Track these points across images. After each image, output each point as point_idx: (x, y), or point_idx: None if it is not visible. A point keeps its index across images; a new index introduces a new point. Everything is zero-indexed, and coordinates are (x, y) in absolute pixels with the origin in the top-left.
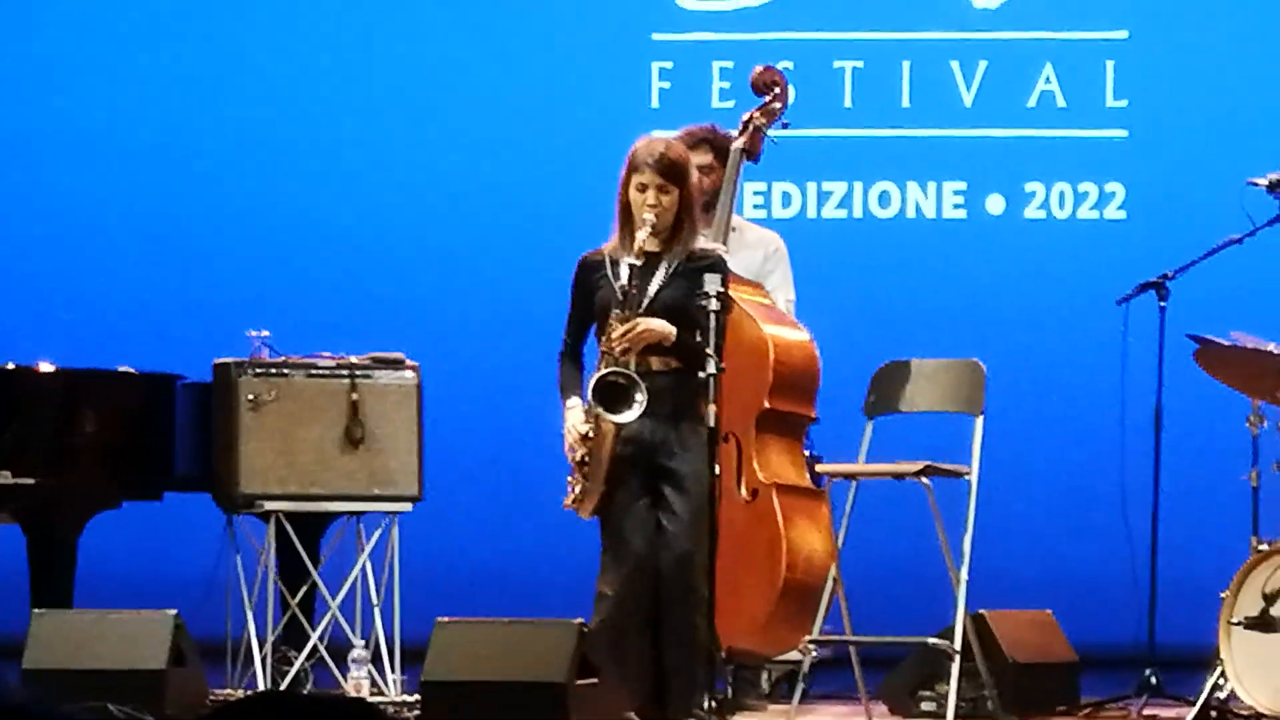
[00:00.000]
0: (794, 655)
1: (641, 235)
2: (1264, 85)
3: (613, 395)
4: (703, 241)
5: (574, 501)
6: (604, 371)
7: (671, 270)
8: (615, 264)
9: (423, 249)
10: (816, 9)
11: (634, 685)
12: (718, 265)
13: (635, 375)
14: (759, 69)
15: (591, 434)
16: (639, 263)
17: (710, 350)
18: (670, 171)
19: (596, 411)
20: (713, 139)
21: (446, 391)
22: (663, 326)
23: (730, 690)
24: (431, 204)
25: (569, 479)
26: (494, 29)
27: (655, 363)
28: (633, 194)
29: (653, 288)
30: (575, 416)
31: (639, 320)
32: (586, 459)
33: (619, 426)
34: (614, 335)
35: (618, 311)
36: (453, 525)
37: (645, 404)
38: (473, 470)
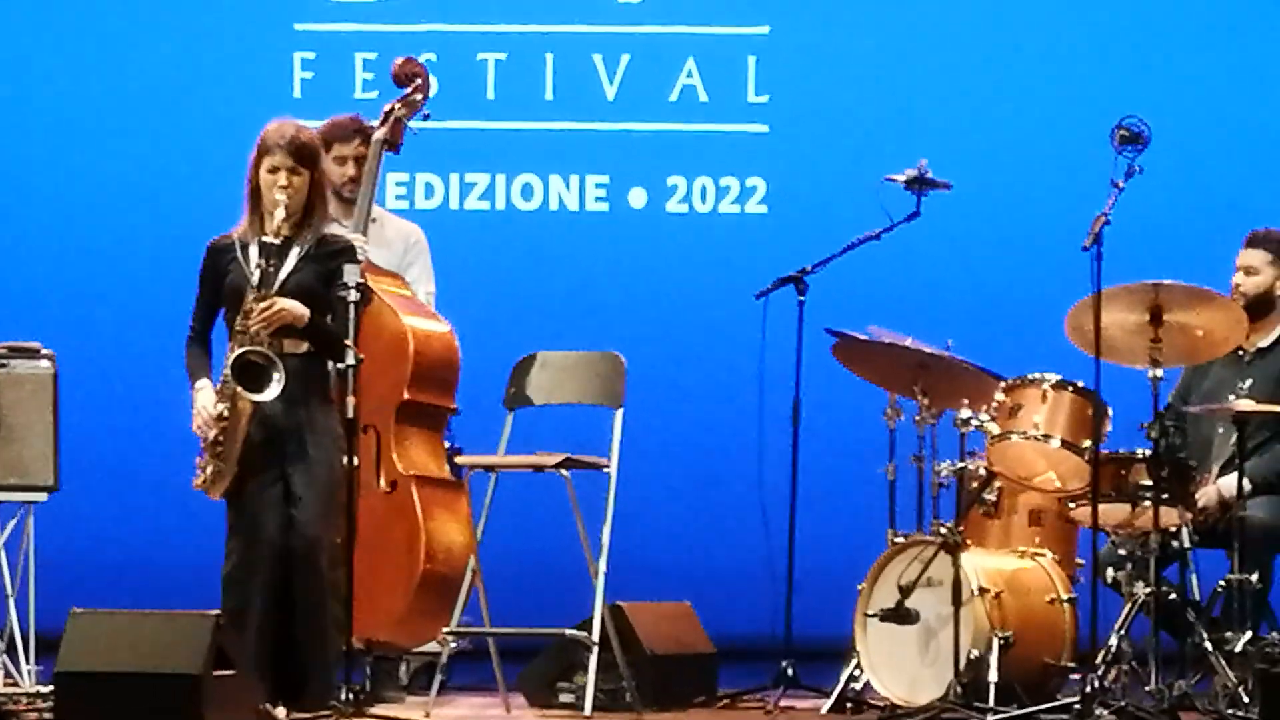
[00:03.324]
0: (433, 647)
1: (279, 217)
2: (901, 82)
3: (251, 374)
4: (335, 229)
5: (204, 482)
6: (242, 350)
7: (303, 254)
8: (245, 247)
9: (59, 237)
10: (460, 1)
11: (264, 673)
12: (348, 251)
13: (273, 355)
14: (400, 60)
15: (226, 414)
16: (276, 242)
17: (349, 341)
18: (302, 154)
19: (234, 390)
20: (365, 128)
21: (82, 380)
22: (298, 308)
23: (368, 682)
24: (68, 192)
25: (198, 460)
26: (134, 16)
27: (287, 345)
28: (263, 176)
29: (284, 271)
30: (206, 397)
31: (276, 300)
32: (220, 439)
33: (254, 407)
34: (252, 314)
35: (254, 291)
36: (89, 515)
37: (283, 383)
38: (109, 460)
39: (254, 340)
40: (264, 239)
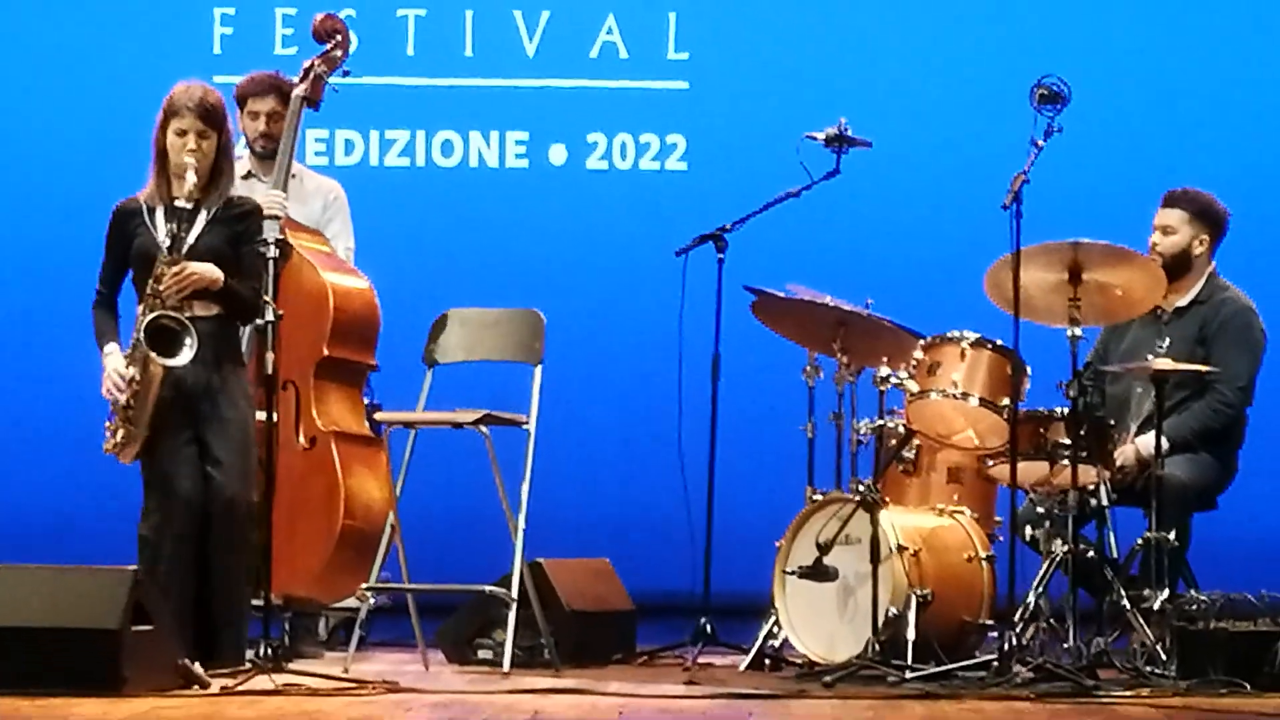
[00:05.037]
0: (352, 602)
1: (191, 180)
2: (821, 40)
3: (163, 338)
4: (255, 185)
5: (115, 447)
6: (155, 314)
7: (211, 217)
8: (151, 211)
9: None
10: None
11: (181, 631)
12: (256, 213)
13: (186, 320)
14: (320, 17)
15: (138, 378)
16: (189, 206)
17: (268, 298)
18: (210, 116)
19: (147, 355)
20: (280, 85)
21: None
22: (212, 271)
23: (287, 638)
24: None
25: (108, 424)
26: None
27: (198, 308)
28: (171, 139)
29: (193, 234)
30: (115, 361)
31: (187, 265)
32: (131, 403)
33: (166, 371)
34: (165, 279)
35: (166, 256)
36: (5, 473)
37: (196, 348)
38: (23, 421)
39: (166, 304)
40: (176, 204)
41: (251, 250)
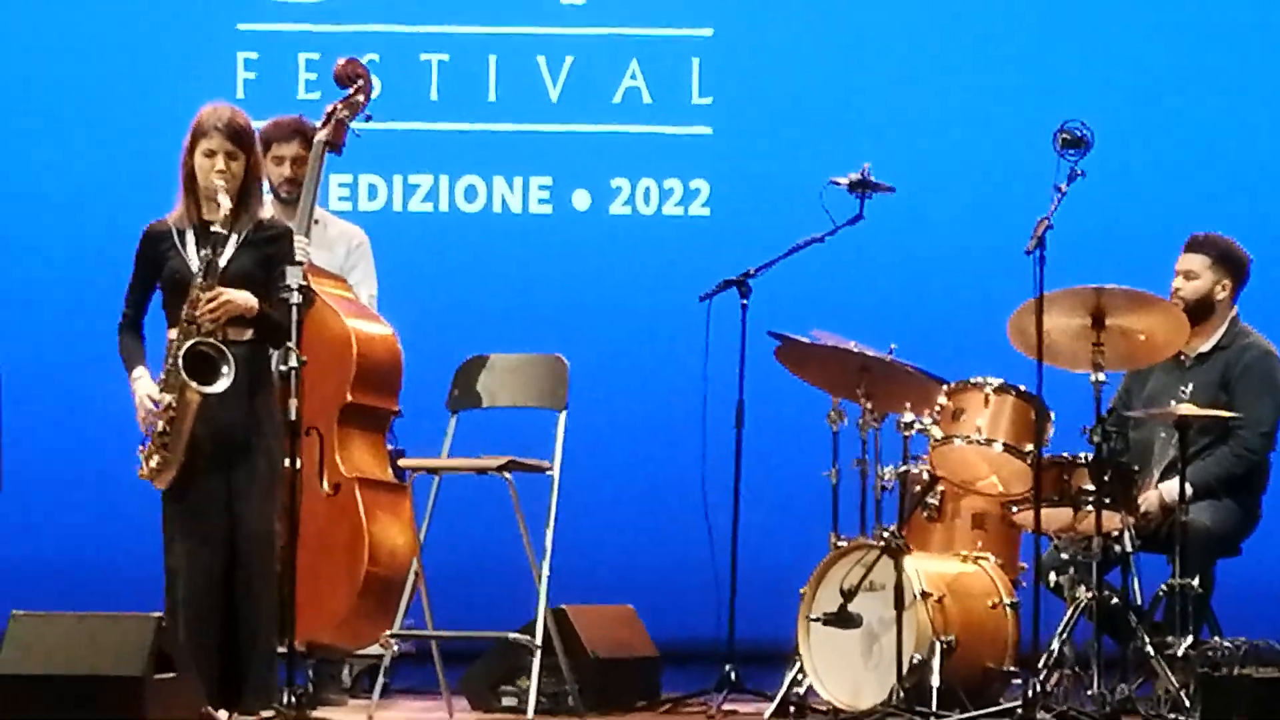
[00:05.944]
0: (375, 649)
1: (225, 204)
2: (845, 85)
3: (200, 365)
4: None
5: (151, 472)
6: (193, 341)
7: (241, 240)
8: (182, 234)
9: (3, 238)
10: (402, 2)
11: (207, 672)
12: (287, 236)
13: (224, 346)
14: (342, 61)
15: (174, 405)
16: (224, 231)
17: (291, 344)
18: (239, 137)
19: (183, 382)
20: (305, 129)
21: (23, 383)
22: (248, 299)
23: (311, 685)
24: (4, 190)
25: (141, 449)
26: (77, 15)
27: (231, 333)
28: (199, 161)
29: (224, 258)
30: (146, 386)
31: (222, 292)
32: (168, 429)
33: (201, 398)
34: (200, 306)
35: (201, 281)
36: (31, 516)
37: (233, 375)
38: (50, 461)
39: (201, 331)
40: (212, 229)
41: (283, 272)
